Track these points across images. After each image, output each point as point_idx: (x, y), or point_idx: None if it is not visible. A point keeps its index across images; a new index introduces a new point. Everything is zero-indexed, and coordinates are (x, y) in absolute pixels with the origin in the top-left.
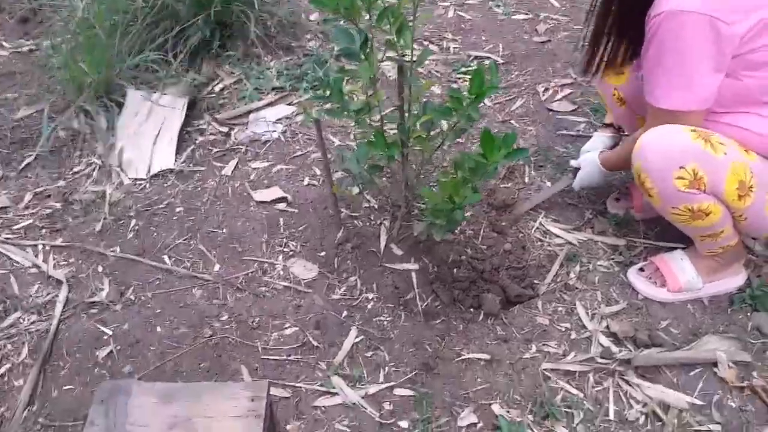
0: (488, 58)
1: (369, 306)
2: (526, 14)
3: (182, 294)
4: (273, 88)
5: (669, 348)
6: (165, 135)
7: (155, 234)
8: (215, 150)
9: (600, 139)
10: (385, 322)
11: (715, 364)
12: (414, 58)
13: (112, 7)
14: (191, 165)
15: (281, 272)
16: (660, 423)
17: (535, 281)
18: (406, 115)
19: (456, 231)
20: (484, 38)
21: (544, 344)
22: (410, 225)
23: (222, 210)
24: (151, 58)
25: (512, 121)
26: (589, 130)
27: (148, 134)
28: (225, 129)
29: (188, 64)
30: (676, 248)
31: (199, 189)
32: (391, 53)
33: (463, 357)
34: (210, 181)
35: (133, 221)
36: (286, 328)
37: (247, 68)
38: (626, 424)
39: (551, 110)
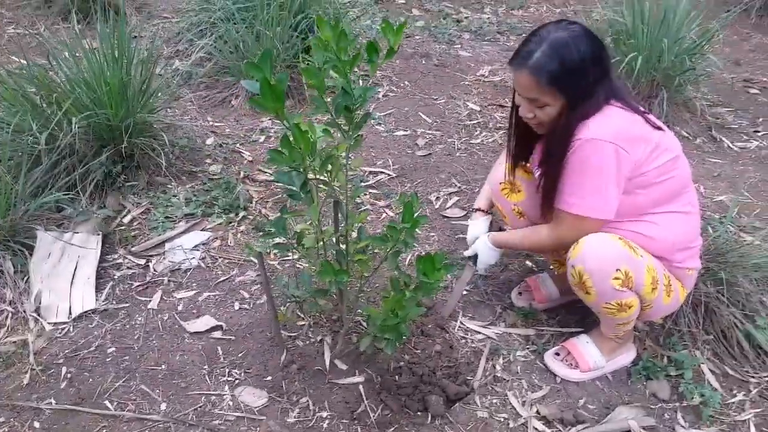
0: (382, 172)
1: (324, 425)
2: (405, 131)
3: None
4: (184, 215)
5: (591, 423)
6: (82, 274)
7: (90, 379)
8: (136, 284)
9: (478, 225)
10: None
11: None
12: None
13: (13, 150)
14: (114, 302)
15: (230, 402)
16: None
17: (468, 377)
18: (341, 244)
19: None
20: (373, 154)
21: None
22: (349, 340)
23: (156, 345)
24: (58, 198)
25: (417, 230)
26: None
27: (64, 275)
28: (142, 261)
29: (94, 197)
30: (577, 332)
31: (128, 326)
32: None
33: None
34: (137, 316)
35: (64, 368)
36: None
37: (153, 197)
38: None
39: (445, 216)
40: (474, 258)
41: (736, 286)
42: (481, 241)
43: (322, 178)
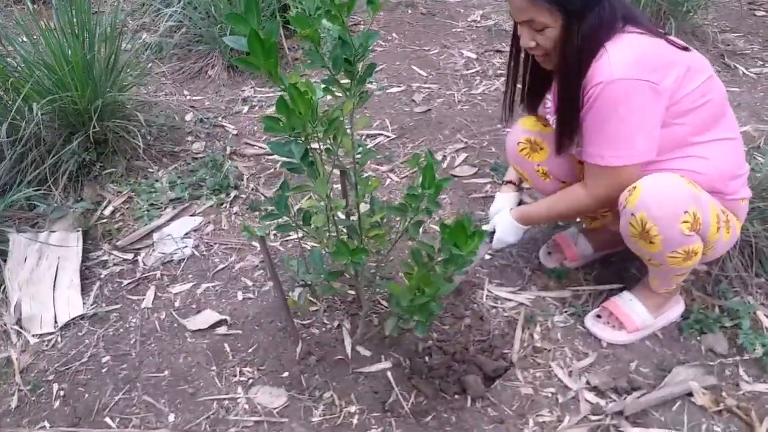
0: (380, 134)
1: (354, 421)
2: (399, 87)
3: None
4: (170, 201)
5: (647, 389)
6: (64, 277)
7: (87, 394)
8: (126, 282)
9: (504, 199)
10: None
11: (690, 394)
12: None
13: None
14: (104, 305)
15: (246, 406)
16: None
17: (505, 351)
18: (352, 216)
19: None
20: (368, 115)
21: (537, 415)
22: (369, 322)
23: (156, 349)
24: (28, 195)
25: None
26: (495, 189)
27: (44, 280)
28: (129, 256)
29: (69, 190)
30: (616, 289)
31: (122, 331)
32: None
33: None
34: (131, 319)
35: (56, 385)
36: None
37: (134, 184)
38: None
39: (455, 176)
40: (491, 234)
41: None
42: (502, 216)
43: (323, 146)
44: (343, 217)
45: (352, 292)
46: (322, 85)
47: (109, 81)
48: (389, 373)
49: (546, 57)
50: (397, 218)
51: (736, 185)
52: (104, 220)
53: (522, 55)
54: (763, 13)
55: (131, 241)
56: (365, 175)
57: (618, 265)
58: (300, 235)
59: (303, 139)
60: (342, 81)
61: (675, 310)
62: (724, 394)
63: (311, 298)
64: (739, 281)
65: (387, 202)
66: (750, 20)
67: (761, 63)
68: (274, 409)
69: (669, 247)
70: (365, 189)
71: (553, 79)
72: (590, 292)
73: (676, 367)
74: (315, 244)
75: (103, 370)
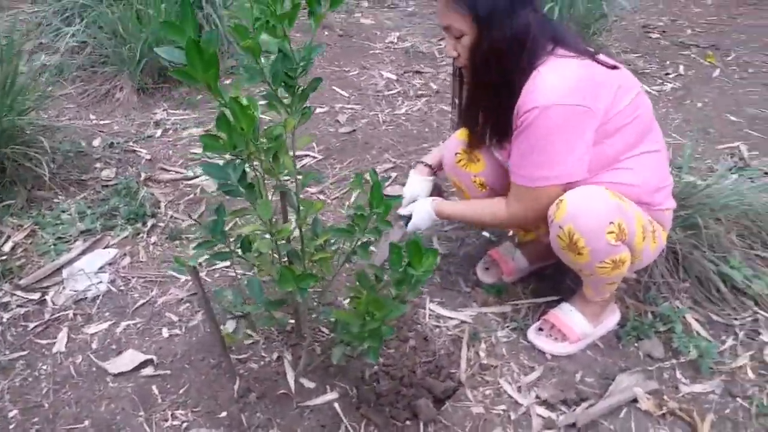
0: (307, 155)
1: None
2: (322, 107)
3: None
4: (80, 233)
5: (595, 399)
6: None
7: None
8: (32, 325)
9: (418, 182)
10: None
11: (635, 401)
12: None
13: None
14: (7, 352)
15: None
16: None
17: (452, 370)
18: (291, 242)
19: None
20: (310, 134)
21: None
22: (312, 352)
23: (72, 398)
24: None
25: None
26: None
27: None
28: (35, 295)
29: None
30: (554, 301)
31: (31, 380)
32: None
33: None
34: (41, 365)
35: None
36: None
37: (37, 216)
38: None
39: (387, 196)
40: (407, 218)
41: (705, 229)
42: (422, 205)
43: (263, 166)
44: (282, 242)
45: (292, 321)
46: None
47: (7, 104)
48: (336, 405)
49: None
50: (339, 242)
51: (661, 196)
52: (3, 258)
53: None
54: (657, 36)
55: (37, 279)
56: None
57: (553, 277)
58: (229, 264)
59: (244, 158)
60: (282, 98)
61: (612, 318)
62: (665, 397)
63: (248, 331)
64: (666, 287)
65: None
66: (646, 42)
67: (660, 81)
68: None
69: (597, 258)
70: (308, 211)
71: None
72: (529, 305)
73: (619, 375)
74: (247, 273)
75: (11, 427)
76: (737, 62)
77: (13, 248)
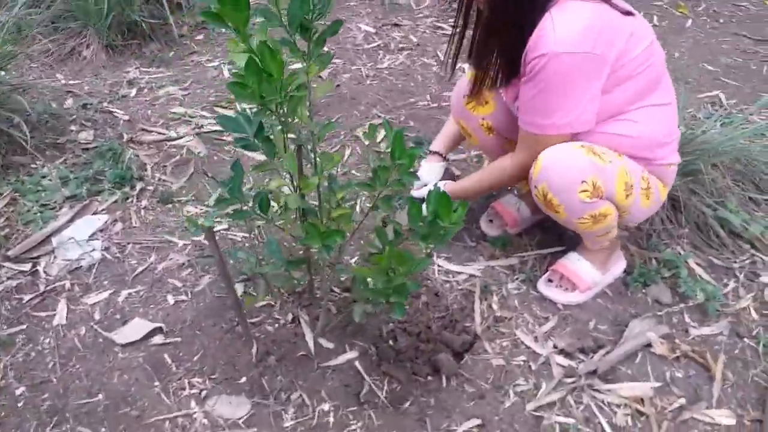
0: None
1: (331, 420)
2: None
3: None
4: (65, 199)
5: (611, 345)
6: None
7: None
8: (27, 297)
9: (430, 169)
10: (359, 430)
11: (649, 345)
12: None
13: None
14: (5, 327)
15: (205, 421)
16: (644, 417)
17: (467, 324)
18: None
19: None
20: (331, 80)
21: (514, 385)
22: (328, 312)
23: (82, 371)
24: None
25: (353, 172)
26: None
27: None
28: (26, 266)
29: None
30: (562, 251)
31: (34, 355)
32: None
33: None
34: (43, 339)
35: None
36: None
37: (16, 183)
38: (620, 430)
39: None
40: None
41: (702, 174)
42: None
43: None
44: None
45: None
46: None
47: None
48: (357, 363)
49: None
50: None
51: (664, 152)
52: None
53: (471, 7)
54: None
55: (25, 248)
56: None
57: (557, 228)
58: (227, 227)
59: (273, 108)
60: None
61: (619, 266)
62: (677, 341)
63: (253, 293)
64: (666, 234)
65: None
66: None
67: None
68: (239, 419)
69: (574, 214)
70: (325, 165)
71: None
72: (536, 257)
73: (631, 321)
74: (246, 235)
75: (20, 404)
76: (707, 12)
77: None
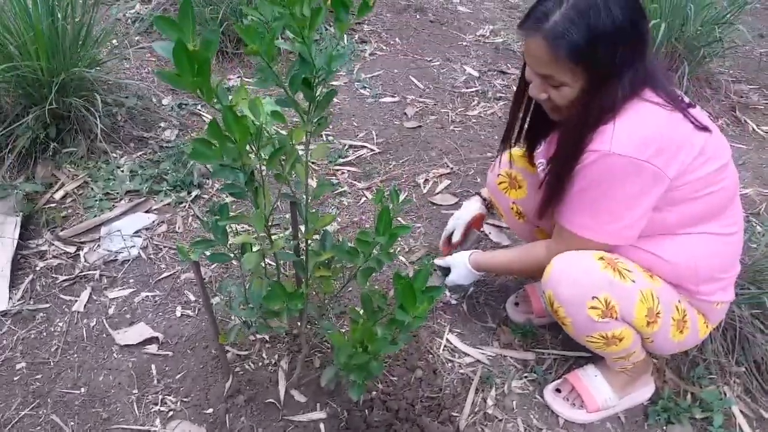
0: (364, 147)
1: None
2: (393, 97)
3: None
4: (127, 192)
5: None
6: None
7: None
8: (61, 278)
9: (467, 209)
10: None
11: None
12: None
13: None
14: (32, 302)
15: None
16: None
17: (453, 413)
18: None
19: None
20: (355, 124)
21: None
22: (309, 364)
23: (77, 361)
24: None
25: (399, 219)
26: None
27: None
28: (71, 249)
29: (18, 167)
30: (583, 357)
31: (45, 335)
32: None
33: None
34: (58, 321)
35: None
36: None
37: (93, 168)
38: None
39: (434, 204)
40: (446, 270)
41: None
42: (458, 258)
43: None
44: (290, 251)
45: (296, 329)
46: (269, 107)
47: (78, 52)
48: (322, 425)
49: (555, 110)
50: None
51: (711, 288)
52: (52, 205)
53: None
54: None
55: (76, 232)
56: (339, 189)
57: None
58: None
59: (240, 167)
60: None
61: (643, 392)
62: None
63: (244, 333)
64: (717, 367)
65: (356, 226)
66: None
67: None
68: None
69: (581, 331)
70: (316, 224)
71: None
72: (555, 357)
73: None
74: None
75: (15, 379)
76: None
77: (63, 197)
